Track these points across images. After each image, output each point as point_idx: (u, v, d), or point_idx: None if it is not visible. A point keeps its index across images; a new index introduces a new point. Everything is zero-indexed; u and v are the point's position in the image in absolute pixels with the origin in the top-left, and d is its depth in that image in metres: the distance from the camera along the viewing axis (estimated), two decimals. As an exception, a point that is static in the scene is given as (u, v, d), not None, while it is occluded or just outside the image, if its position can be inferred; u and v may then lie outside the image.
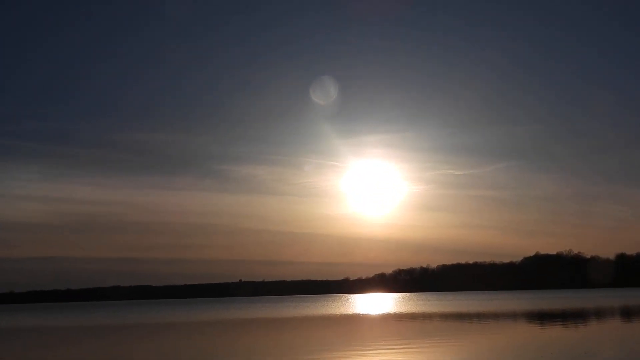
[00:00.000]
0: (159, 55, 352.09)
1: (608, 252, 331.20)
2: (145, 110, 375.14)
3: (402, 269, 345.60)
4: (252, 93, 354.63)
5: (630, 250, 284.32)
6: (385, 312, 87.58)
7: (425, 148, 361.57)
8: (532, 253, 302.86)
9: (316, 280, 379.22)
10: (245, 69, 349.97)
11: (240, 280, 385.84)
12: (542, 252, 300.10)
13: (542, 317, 64.15)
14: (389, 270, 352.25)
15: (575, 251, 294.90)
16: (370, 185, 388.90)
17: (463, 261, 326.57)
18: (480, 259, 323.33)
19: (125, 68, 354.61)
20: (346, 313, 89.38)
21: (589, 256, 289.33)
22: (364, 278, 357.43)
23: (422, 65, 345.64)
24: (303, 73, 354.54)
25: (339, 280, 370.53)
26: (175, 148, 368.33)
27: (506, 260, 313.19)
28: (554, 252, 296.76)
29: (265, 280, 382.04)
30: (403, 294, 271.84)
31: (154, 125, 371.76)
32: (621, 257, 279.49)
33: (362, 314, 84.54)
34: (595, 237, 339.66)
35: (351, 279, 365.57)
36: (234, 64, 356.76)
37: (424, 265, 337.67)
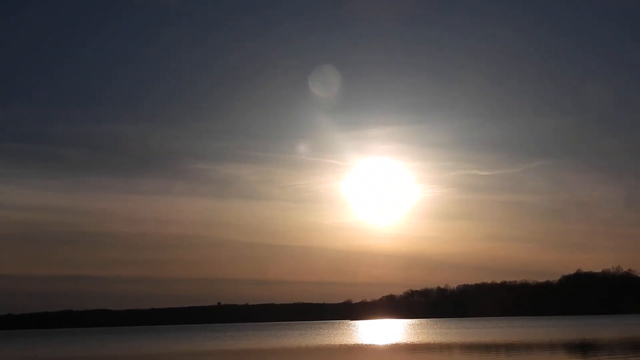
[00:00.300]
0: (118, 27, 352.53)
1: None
2: (103, 97, 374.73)
3: (416, 290, 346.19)
4: (237, 80, 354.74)
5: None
6: (394, 343, 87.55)
7: (443, 143, 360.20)
8: (572, 271, 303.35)
9: (311, 304, 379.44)
10: (229, 53, 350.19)
11: (219, 303, 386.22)
12: (585, 269, 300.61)
13: (584, 349, 63.97)
14: (399, 292, 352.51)
15: (625, 268, 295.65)
16: (377, 189, 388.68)
17: (489, 280, 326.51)
18: (510, 278, 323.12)
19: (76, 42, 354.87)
20: (347, 343, 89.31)
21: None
22: (369, 301, 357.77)
23: (439, 46, 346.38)
24: (300, 59, 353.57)
25: (338, 304, 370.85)
26: (139, 143, 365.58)
27: (541, 279, 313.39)
28: (599, 270, 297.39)
29: (250, 304, 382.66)
30: (416, 321, 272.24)
31: (115, 115, 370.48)
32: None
33: (367, 345, 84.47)
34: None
35: (353, 301, 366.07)
36: (216, 48, 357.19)
37: (442, 286, 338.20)
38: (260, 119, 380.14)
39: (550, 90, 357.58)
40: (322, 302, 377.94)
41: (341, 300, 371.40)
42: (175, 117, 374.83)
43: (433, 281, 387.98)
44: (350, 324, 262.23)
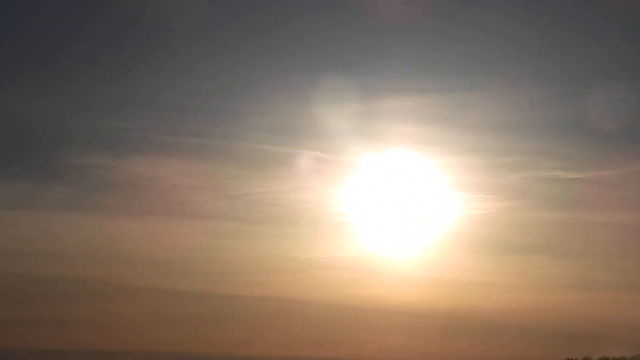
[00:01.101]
0: None
1: None
2: None
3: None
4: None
5: None
6: None
7: (503, 125, 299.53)
8: None
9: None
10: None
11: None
12: None
13: None
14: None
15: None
16: (393, 202, 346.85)
17: (580, 357, 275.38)
18: (614, 354, 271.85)
19: None
20: None
21: None
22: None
23: None
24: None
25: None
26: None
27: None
28: None
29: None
30: None
31: None
32: None
33: None
34: None
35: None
36: None
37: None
38: (190, 81, 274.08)
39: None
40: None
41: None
42: (53, 81, 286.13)
43: (486, 358, 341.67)
44: None
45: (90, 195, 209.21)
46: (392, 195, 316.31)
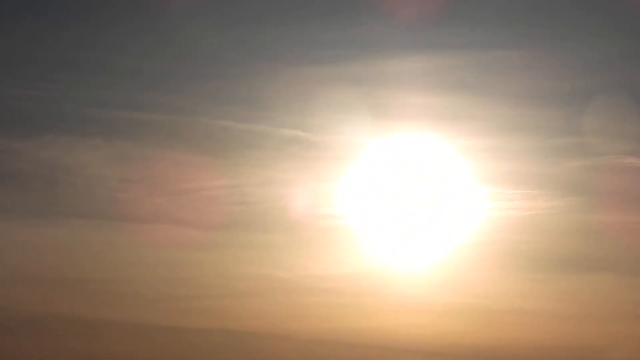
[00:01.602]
0: None
1: None
2: None
3: None
4: None
5: None
6: None
7: (555, 95, 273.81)
8: None
9: None
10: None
11: None
12: None
13: None
14: None
15: None
16: (401, 199, 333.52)
17: None
18: None
19: None
20: None
21: None
22: None
23: None
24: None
25: None
26: None
27: None
28: None
29: None
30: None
31: None
32: None
33: None
34: None
35: None
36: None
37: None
38: (117, 30, 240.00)
39: None
40: None
41: None
42: None
43: None
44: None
45: None
46: (401, 192, 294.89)
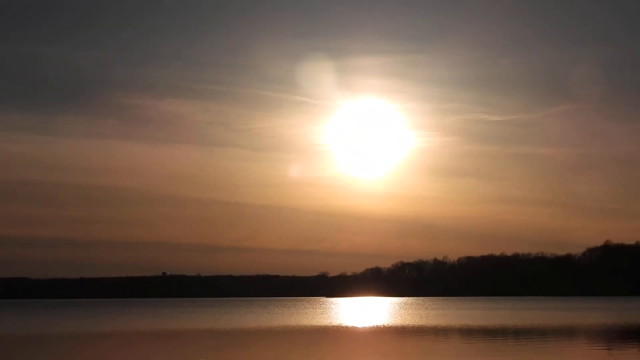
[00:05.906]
0: None
1: None
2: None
3: (407, 262, 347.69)
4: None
5: None
6: (378, 325, 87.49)
7: (445, 79, 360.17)
8: (600, 242, 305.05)
9: (277, 276, 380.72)
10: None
11: (164, 273, 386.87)
12: (615, 240, 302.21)
13: (610, 337, 63.91)
14: (387, 264, 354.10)
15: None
16: (362, 135, 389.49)
17: (497, 252, 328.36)
18: (523, 250, 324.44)
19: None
20: (320, 324, 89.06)
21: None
22: (349, 274, 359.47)
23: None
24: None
25: (312, 277, 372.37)
26: (55, 69, 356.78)
27: (562, 252, 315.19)
28: (633, 242, 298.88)
29: (202, 275, 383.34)
30: (406, 299, 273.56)
31: (18, 33, 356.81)
32: None
33: (343, 327, 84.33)
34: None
35: (330, 275, 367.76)
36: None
37: (440, 258, 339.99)
38: (207, 39, 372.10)
39: (589, 14, 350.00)
40: (290, 275, 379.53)
41: (315, 273, 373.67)
42: (101, 37, 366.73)
43: (429, 252, 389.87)
44: (325, 301, 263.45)
45: (135, 129, 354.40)
46: (362, 131, 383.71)
